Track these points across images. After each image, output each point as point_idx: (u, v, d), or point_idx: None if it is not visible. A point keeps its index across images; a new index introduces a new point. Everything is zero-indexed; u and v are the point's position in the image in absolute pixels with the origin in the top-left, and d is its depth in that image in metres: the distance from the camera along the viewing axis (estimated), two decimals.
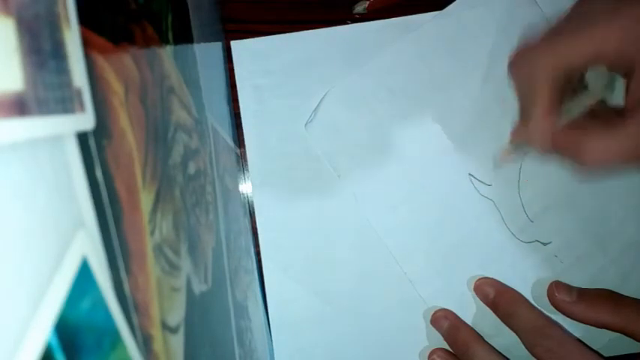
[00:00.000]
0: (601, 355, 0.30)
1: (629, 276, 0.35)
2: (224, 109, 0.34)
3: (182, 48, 0.24)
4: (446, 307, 0.35)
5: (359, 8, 0.35)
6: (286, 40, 0.35)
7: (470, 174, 0.35)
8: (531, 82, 0.28)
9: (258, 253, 0.35)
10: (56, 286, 0.10)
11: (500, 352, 0.32)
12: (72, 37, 0.12)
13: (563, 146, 0.28)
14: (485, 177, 0.35)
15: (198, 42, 0.28)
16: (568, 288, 0.33)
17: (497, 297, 0.33)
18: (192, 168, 0.23)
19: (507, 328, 0.33)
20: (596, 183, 0.35)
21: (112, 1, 0.16)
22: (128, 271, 0.14)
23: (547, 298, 0.33)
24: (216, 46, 0.34)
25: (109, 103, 0.14)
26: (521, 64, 0.28)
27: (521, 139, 0.30)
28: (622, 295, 0.32)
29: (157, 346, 0.15)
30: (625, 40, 0.25)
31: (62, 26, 0.12)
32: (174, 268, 0.18)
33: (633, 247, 0.35)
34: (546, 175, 0.35)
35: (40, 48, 0.11)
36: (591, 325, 0.32)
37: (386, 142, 0.35)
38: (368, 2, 0.35)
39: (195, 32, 0.27)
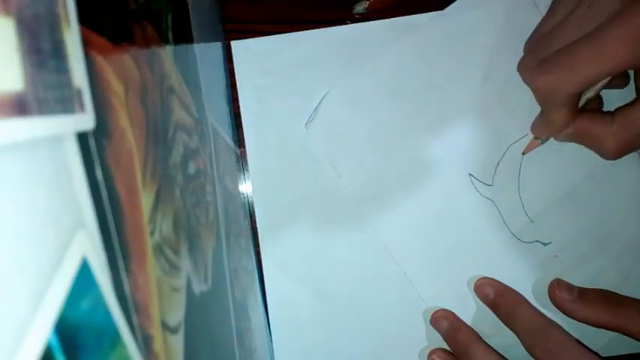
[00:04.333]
0: (600, 357, 0.30)
1: (629, 276, 0.35)
2: (224, 109, 0.34)
3: (182, 48, 0.24)
4: (446, 307, 0.35)
5: (359, 8, 0.35)
6: (286, 40, 0.35)
7: (470, 174, 0.35)
8: (550, 99, 0.30)
9: (258, 253, 0.35)
10: (56, 286, 0.10)
11: (499, 353, 0.32)
12: (72, 37, 0.12)
13: (585, 137, 0.30)
14: (486, 177, 0.35)
15: (198, 42, 0.28)
16: (569, 286, 0.33)
17: (497, 297, 0.34)
18: (192, 168, 0.23)
19: (507, 328, 0.33)
20: (596, 183, 0.35)
21: (112, 1, 0.16)
22: (128, 271, 0.14)
23: (547, 298, 0.33)
24: (216, 46, 0.34)
25: (109, 103, 0.14)
26: (534, 79, 0.30)
27: (544, 134, 0.33)
28: (622, 295, 0.32)
29: (157, 346, 0.15)
30: (636, 50, 0.25)
31: (62, 26, 0.12)
32: (174, 268, 0.18)
33: (633, 247, 0.35)
34: (546, 176, 0.35)
35: (40, 48, 0.11)
36: (591, 324, 0.32)
37: (386, 142, 0.35)
38: (368, 2, 0.35)
39: (195, 32, 0.27)
